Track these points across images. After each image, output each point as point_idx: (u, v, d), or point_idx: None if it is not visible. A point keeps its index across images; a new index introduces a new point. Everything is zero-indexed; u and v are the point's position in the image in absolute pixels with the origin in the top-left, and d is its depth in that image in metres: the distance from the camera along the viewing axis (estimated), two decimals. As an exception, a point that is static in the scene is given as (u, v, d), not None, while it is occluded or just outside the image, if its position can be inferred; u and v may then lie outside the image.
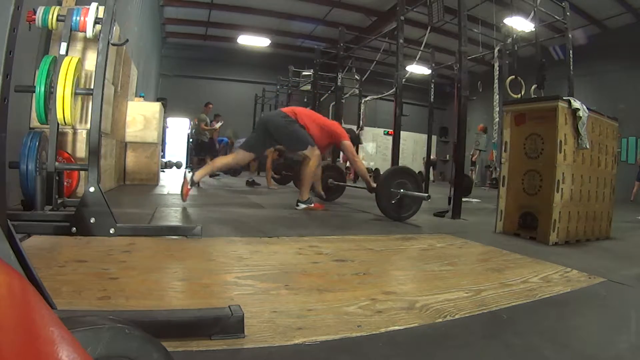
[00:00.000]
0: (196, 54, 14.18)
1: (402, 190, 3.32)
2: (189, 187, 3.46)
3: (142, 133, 5.39)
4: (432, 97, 7.92)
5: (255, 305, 1.21)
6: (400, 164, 4.83)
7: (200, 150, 8.54)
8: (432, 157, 9.62)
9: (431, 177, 8.71)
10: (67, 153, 3.13)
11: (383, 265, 1.91)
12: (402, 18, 5.07)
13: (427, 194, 3.22)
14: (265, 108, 13.19)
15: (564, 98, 2.80)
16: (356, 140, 4.21)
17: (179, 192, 3.54)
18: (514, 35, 6.49)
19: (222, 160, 3.70)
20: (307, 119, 3.68)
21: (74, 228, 1.93)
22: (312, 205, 3.59)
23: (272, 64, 13.92)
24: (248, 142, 3.63)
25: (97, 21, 2.32)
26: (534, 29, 6.39)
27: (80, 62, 2.29)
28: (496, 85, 6.39)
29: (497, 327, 1.18)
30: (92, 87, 2.09)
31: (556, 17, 5.92)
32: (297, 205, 3.62)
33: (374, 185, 3.63)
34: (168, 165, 11.39)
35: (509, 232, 3.00)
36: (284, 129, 3.51)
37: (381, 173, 7.31)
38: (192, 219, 2.96)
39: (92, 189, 1.97)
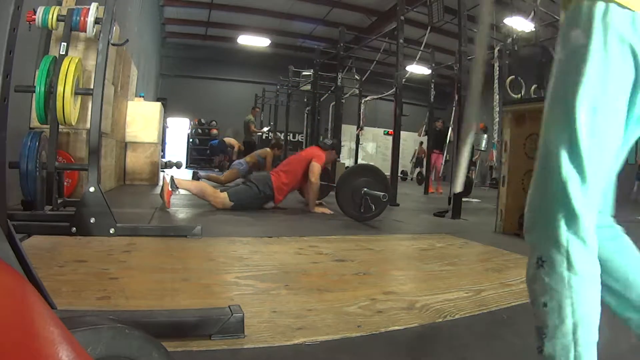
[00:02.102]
0: (196, 54, 14.15)
1: (365, 189, 3.24)
2: (169, 189, 3.28)
3: (142, 133, 5.38)
4: (432, 97, 7.92)
5: (255, 305, 1.21)
6: (400, 163, 4.83)
7: (252, 150, 9.03)
8: (422, 154, 9.60)
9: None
10: (67, 153, 3.13)
11: (383, 265, 1.91)
12: (402, 18, 5.07)
13: (383, 193, 3.15)
14: (265, 108, 13.17)
15: (564, 98, 2.79)
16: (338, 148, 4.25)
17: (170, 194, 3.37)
18: (514, 35, 6.48)
19: (205, 188, 3.58)
20: None
21: (74, 228, 1.93)
22: None
23: (272, 64, 13.89)
24: (236, 192, 3.56)
25: (97, 21, 2.33)
26: (534, 29, 6.39)
27: (80, 62, 2.30)
28: (496, 85, 6.38)
29: (497, 327, 1.18)
30: (92, 87, 2.09)
31: (556, 17, 5.91)
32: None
33: (313, 208, 3.69)
34: (168, 165, 11.37)
35: (509, 232, 3.00)
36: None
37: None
38: (192, 218, 2.96)
39: (92, 189, 1.97)
